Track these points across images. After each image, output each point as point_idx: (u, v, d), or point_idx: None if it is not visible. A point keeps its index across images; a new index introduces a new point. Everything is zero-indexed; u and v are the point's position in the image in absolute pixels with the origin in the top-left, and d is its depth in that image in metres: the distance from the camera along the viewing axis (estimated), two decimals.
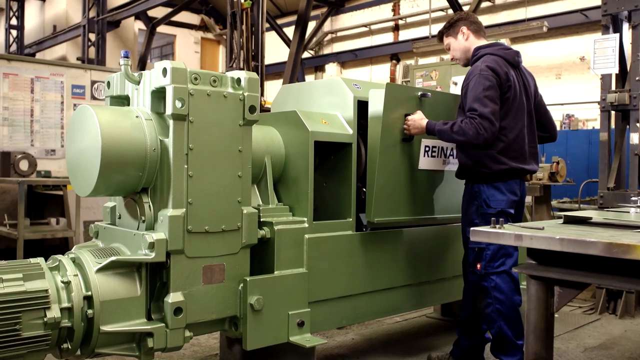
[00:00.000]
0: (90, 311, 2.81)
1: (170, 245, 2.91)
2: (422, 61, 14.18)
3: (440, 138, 3.69)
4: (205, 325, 3.14)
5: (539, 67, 13.82)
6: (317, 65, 19.31)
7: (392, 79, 16.86)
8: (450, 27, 3.92)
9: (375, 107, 3.63)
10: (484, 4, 14.29)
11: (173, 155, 2.92)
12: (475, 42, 3.83)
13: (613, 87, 5.68)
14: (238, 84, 3.16)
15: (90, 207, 7.03)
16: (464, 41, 3.84)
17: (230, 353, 3.70)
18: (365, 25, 18.19)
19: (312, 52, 19.37)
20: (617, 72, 5.55)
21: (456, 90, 6.94)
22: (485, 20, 14.55)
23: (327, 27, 19.23)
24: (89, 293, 2.83)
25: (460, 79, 6.87)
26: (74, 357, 2.92)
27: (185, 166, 2.96)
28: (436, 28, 14.56)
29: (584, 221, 2.83)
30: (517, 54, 3.78)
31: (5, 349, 2.61)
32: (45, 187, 7.12)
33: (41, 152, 7.50)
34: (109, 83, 3.38)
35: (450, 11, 14.06)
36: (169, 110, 2.92)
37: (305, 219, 3.46)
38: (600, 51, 5.59)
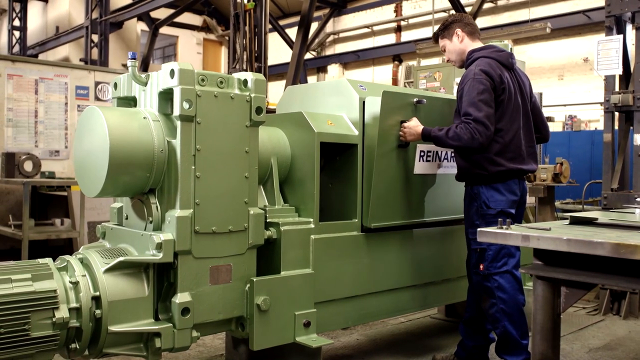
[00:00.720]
0: (98, 311, 2.82)
1: (178, 245, 2.92)
2: (425, 62, 14.19)
3: (436, 144, 3.74)
4: (212, 325, 3.15)
5: (541, 68, 13.83)
6: (319, 66, 19.33)
7: (394, 80, 16.88)
8: (445, 29, 3.95)
9: (372, 114, 3.68)
10: (486, 5, 14.29)
11: (181, 156, 2.94)
12: (470, 44, 3.85)
13: (617, 89, 5.69)
14: (245, 85, 3.18)
15: (94, 208, 7.06)
16: (459, 43, 3.87)
17: (235, 353, 3.71)
18: (367, 26, 18.21)
19: (314, 53, 19.39)
20: (621, 73, 5.55)
21: None
22: (487, 21, 14.59)
23: (329, 28, 19.25)
24: (97, 293, 2.84)
25: None
26: (82, 357, 2.93)
27: (193, 167, 2.97)
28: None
29: (590, 222, 2.84)
30: (511, 55, 3.81)
31: (15, 348, 2.62)
32: (50, 187, 7.14)
33: (45, 153, 7.52)
34: (115, 84, 3.39)
35: (453, 12, 14.08)
36: (176, 112, 2.93)
37: (312, 220, 3.47)
38: (604, 52, 5.60)
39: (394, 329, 5.03)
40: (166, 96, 3.06)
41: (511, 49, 5.18)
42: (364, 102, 3.71)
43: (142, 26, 18.33)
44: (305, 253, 3.42)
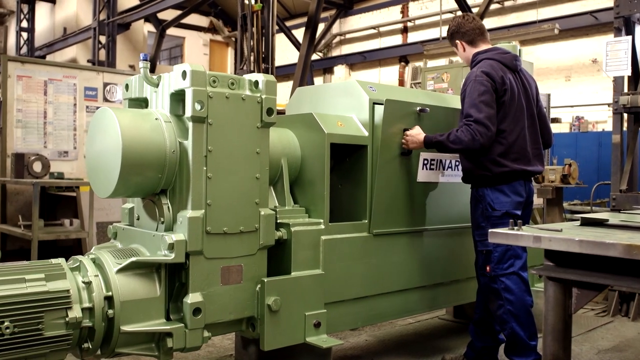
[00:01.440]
0: (110, 311, 2.84)
1: (190, 246, 2.94)
2: (431, 63, 14.20)
3: (439, 150, 3.77)
4: (223, 325, 3.17)
5: (548, 69, 13.81)
6: (326, 67, 19.36)
7: (401, 81, 16.88)
8: (450, 40, 4.04)
9: (375, 122, 3.72)
10: (493, 6, 14.28)
11: (192, 157, 2.95)
12: (472, 50, 3.90)
13: (625, 90, 5.68)
14: (256, 86, 3.19)
15: (103, 209, 7.09)
16: (463, 52, 3.96)
17: (245, 354, 3.72)
18: (373, 27, 18.23)
19: (320, 54, 19.42)
20: (630, 74, 5.55)
21: None
22: (494, 22, 14.57)
23: (335, 29, 19.27)
24: (110, 293, 2.86)
25: None
26: (94, 357, 2.95)
27: (204, 168, 2.98)
28: (446, 30, 14.61)
29: (601, 223, 2.84)
30: (516, 57, 3.83)
31: (28, 348, 2.64)
32: (58, 188, 7.18)
33: (54, 153, 7.56)
34: (127, 85, 3.41)
35: (460, 13, 14.06)
36: (188, 113, 2.95)
37: (322, 221, 3.48)
38: (613, 53, 5.59)
39: (402, 329, 5.04)
40: (178, 97, 3.07)
41: (519, 50, 5.19)
42: (374, 104, 3.72)
43: (149, 27, 18.39)
44: (315, 254, 3.43)
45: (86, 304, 2.81)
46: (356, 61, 18.49)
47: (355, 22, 18.95)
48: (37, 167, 6.90)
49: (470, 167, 3.76)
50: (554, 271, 2.53)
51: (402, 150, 3.80)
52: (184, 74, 2.97)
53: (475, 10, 13.64)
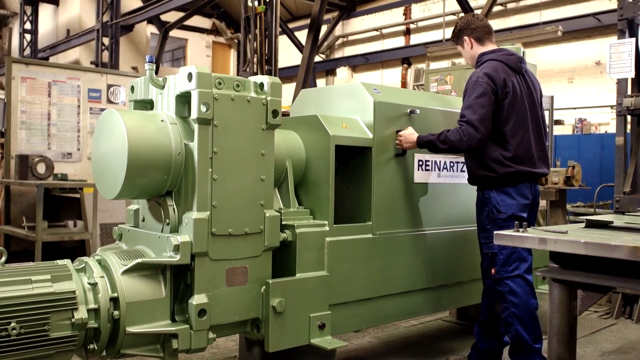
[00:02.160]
0: (116, 312, 2.85)
1: (195, 247, 2.94)
2: (434, 65, 14.19)
3: (430, 150, 3.79)
4: (228, 327, 3.17)
5: (551, 71, 13.81)
6: (328, 69, 19.38)
7: (404, 82, 16.89)
8: (456, 37, 4.02)
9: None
10: (495, 8, 14.29)
11: (198, 158, 2.96)
12: (479, 49, 3.90)
13: (629, 92, 5.68)
14: (261, 88, 3.20)
15: (107, 210, 7.09)
16: (470, 49, 3.93)
17: (249, 355, 3.73)
18: (376, 29, 18.26)
19: (323, 56, 19.44)
20: (633, 76, 5.55)
21: None
22: (497, 24, 14.57)
23: (338, 31, 19.30)
24: (115, 294, 2.87)
25: None
26: (100, 358, 2.96)
27: (210, 169, 2.99)
28: (449, 32, 14.62)
29: (606, 225, 2.85)
30: (521, 59, 3.83)
31: (35, 349, 2.65)
32: (62, 189, 7.19)
33: (58, 155, 7.56)
34: (132, 87, 3.42)
35: (462, 15, 14.08)
36: (194, 115, 2.96)
37: (326, 222, 3.49)
38: (616, 55, 5.60)
39: (406, 331, 5.04)
40: (183, 99, 3.08)
41: (523, 52, 5.20)
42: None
43: (151, 29, 18.44)
44: (320, 255, 3.43)
45: (92, 305, 2.82)
46: (359, 63, 18.51)
47: (357, 24, 18.97)
48: (41, 168, 6.91)
49: (474, 167, 3.78)
50: (559, 273, 2.53)
51: (397, 152, 3.82)
52: (189, 76, 2.98)
53: (478, 12, 13.66)
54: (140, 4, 15.58)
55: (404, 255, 3.89)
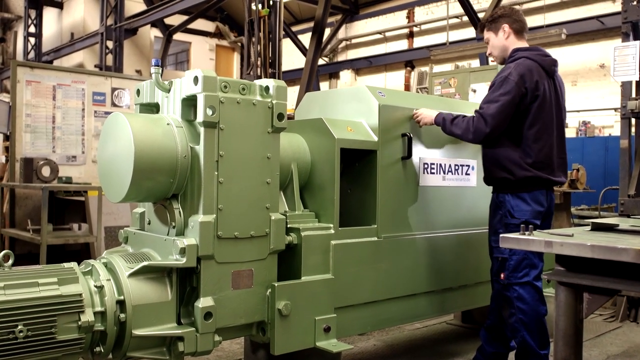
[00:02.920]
0: (122, 315, 2.86)
1: (201, 250, 2.95)
2: (437, 68, 14.21)
3: (442, 128, 3.76)
4: (234, 330, 3.18)
5: None
6: (332, 72, 19.39)
7: (407, 86, 16.89)
8: (493, 22, 3.84)
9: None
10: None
11: (204, 161, 2.97)
12: (514, 42, 3.77)
13: (633, 94, 5.67)
14: (266, 91, 3.21)
15: (111, 213, 7.11)
16: (504, 39, 3.78)
17: (254, 358, 3.73)
18: (379, 32, 18.26)
19: (326, 59, 19.45)
20: (638, 79, 5.54)
21: (475, 97, 6.96)
22: None
23: (341, 34, 19.31)
24: (122, 297, 2.88)
25: (479, 87, 6.89)
26: None
27: (216, 173, 3.00)
28: (453, 35, 14.62)
29: (611, 228, 2.85)
30: (555, 62, 3.75)
31: (42, 351, 2.66)
32: (67, 192, 7.21)
33: (62, 158, 7.58)
34: (138, 91, 3.44)
35: (466, 18, 14.09)
36: (200, 118, 2.97)
37: (332, 226, 3.49)
38: (621, 58, 5.59)
39: (410, 334, 5.04)
40: (189, 103, 3.09)
41: None
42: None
43: (155, 32, 18.47)
44: (325, 258, 3.44)
45: (98, 308, 2.83)
46: (362, 66, 18.52)
47: (361, 27, 18.98)
48: (45, 171, 6.93)
49: (492, 167, 3.72)
50: (565, 276, 2.53)
51: (403, 155, 3.80)
52: (195, 79, 2.99)
53: (481, 15, 13.67)
54: (144, 8, 15.62)
55: (409, 258, 3.89)
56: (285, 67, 13.41)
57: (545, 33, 11.96)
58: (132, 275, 2.93)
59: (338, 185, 3.52)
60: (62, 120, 7.64)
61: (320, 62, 17.99)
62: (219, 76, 3.05)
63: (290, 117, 4.19)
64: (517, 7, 14.64)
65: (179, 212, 3.07)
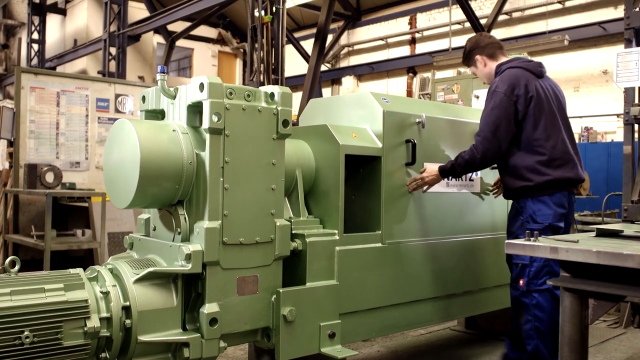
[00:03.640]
0: (128, 321, 2.86)
1: (207, 256, 2.96)
2: (439, 74, 14.23)
3: (454, 176, 3.83)
4: (239, 336, 3.18)
5: (557, 80, 13.63)
6: (334, 78, 19.43)
7: (409, 92, 16.92)
8: (467, 59, 4.00)
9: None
10: (501, 17, 14.33)
11: (209, 168, 2.98)
12: (493, 63, 3.88)
13: (636, 100, 5.68)
14: (271, 98, 3.22)
15: (115, 219, 7.12)
16: (484, 67, 3.92)
17: None
18: (381, 39, 18.30)
19: (328, 65, 19.49)
20: None
21: (478, 103, 6.98)
22: (502, 33, 14.60)
23: (343, 40, 19.36)
24: (127, 303, 2.88)
25: (482, 93, 6.91)
26: None
27: (221, 179, 3.01)
28: (455, 41, 14.64)
29: (616, 234, 2.85)
30: (540, 64, 3.81)
31: (48, 357, 2.66)
32: (70, 198, 7.22)
33: (66, 164, 7.60)
34: (144, 97, 3.45)
35: (468, 24, 14.11)
36: (205, 124, 2.98)
37: (336, 232, 3.50)
38: (623, 64, 5.60)
39: (414, 340, 5.03)
40: (195, 109, 3.11)
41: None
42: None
43: (158, 39, 18.54)
44: (330, 264, 3.44)
45: (104, 314, 2.83)
46: (364, 72, 18.56)
47: (363, 33, 19.03)
48: (49, 177, 6.95)
49: (509, 180, 3.71)
50: (570, 282, 2.54)
51: (407, 162, 3.81)
52: (201, 86, 3.01)
53: (483, 21, 13.71)
54: (147, 14, 15.69)
55: (413, 264, 3.89)
56: (287, 73, 13.46)
57: (547, 39, 11.98)
58: (137, 281, 2.93)
59: (343, 192, 3.52)
60: (65, 127, 7.66)
61: (323, 68, 18.03)
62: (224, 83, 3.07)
63: (293, 124, 4.21)
64: (518, 13, 14.67)
65: (185, 218, 3.08)
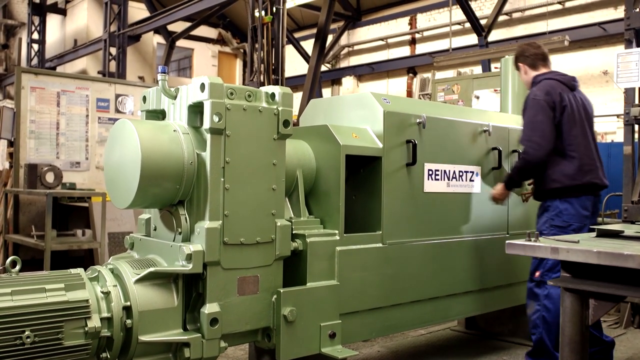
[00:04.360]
0: (129, 321, 2.86)
1: (207, 256, 2.96)
2: (439, 75, 14.23)
3: (515, 186, 4.16)
4: (239, 336, 3.18)
5: None
6: (334, 78, 19.41)
7: (409, 92, 16.91)
8: (515, 64, 4.30)
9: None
10: (501, 18, 14.33)
11: (210, 168, 2.98)
12: (532, 73, 4.13)
13: (636, 101, 5.68)
14: (272, 98, 3.23)
15: (115, 219, 7.12)
16: (525, 75, 4.19)
17: None
18: (382, 39, 18.28)
19: (328, 65, 19.48)
20: None
21: (478, 104, 6.98)
22: (502, 34, 14.61)
23: (343, 40, 19.34)
24: (128, 303, 2.88)
25: (482, 93, 6.93)
26: None
27: (222, 179, 3.01)
28: (455, 42, 14.65)
29: (617, 235, 2.86)
30: (574, 79, 4.03)
31: (48, 357, 2.66)
32: (71, 199, 7.21)
33: (66, 164, 7.60)
34: (144, 97, 3.45)
35: (468, 25, 14.12)
36: (206, 125, 2.98)
37: (337, 232, 3.50)
38: (624, 65, 5.60)
39: (414, 340, 5.04)
40: (196, 109, 3.11)
41: None
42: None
43: (158, 39, 18.54)
44: (330, 264, 3.45)
45: (105, 314, 2.84)
46: (364, 72, 18.54)
47: (363, 33, 19.01)
48: (49, 177, 6.95)
49: (541, 183, 3.94)
50: (571, 282, 2.54)
51: (407, 162, 3.84)
52: (202, 86, 3.01)
53: (483, 21, 13.71)
54: (147, 14, 15.69)
55: (413, 264, 3.89)
56: (287, 73, 13.47)
57: (547, 40, 11.97)
58: (138, 281, 2.94)
59: (343, 192, 3.53)
60: (66, 127, 7.65)
61: (323, 68, 18.03)
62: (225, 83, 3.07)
63: (294, 124, 4.21)
64: (518, 14, 14.67)
65: (185, 218, 3.08)
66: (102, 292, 2.89)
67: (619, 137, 11.95)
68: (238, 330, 3.12)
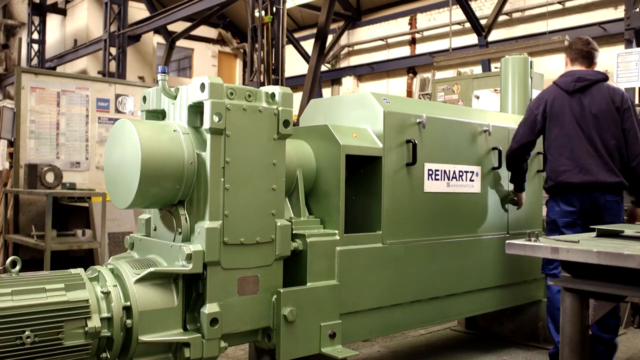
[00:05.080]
0: (129, 321, 2.86)
1: (207, 256, 2.96)
2: (439, 74, 14.22)
3: (511, 181, 4.46)
4: (239, 336, 3.19)
5: None
6: (334, 78, 19.41)
7: (409, 92, 16.91)
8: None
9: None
10: (501, 18, 14.33)
11: (210, 168, 2.98)
12: (567, 68, 4.28)
13: (636, 101, 5.69)
14: (272, 98, 3.23)
15: (115, 219, 7.12)
16: (565, 67, 4.32)
17: None
18: (381, 39, 18.28)
19: (328, 65, 19.48)
20: None
21: (478, 104, 6.98)
22: (502, 34, 14.61)
23: (343, 40, 19.34)
24: (128, 303, 2.88)
25: (482, 93, 6.92)
26: None
27: (222, 179, 3.01)
28: (455, 42, 14.64)
29: (617, 234, 2.86)
30: (576, 79, 4.05)
31: (48, 357, 2.66)
32: (71, 199, 7.21)
33: (66, 164, 7.60)
34: (145, 97, 3.45)
35: (468, 25, 14.12)
36: (206, 125, 2.98)
37: (337, 232, 3.50)
38: (624, 65, 5.62)
39: (414, 340, 5.04)
40: (196, 109, 3.11)
41: (531, 62, 5.23)
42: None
43: (158, 39, 18.55)
44: (330, 264, 3.45)
45: (105, 314, 2.84)
46: (364, 72, 18.54)
47: (363, 33, 19.02)
48: (49, 177, 6.95)
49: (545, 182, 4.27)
50: (571, 282, 2.54)
51: (407, 162, 3.84)
52: (202, 86, 3.01)
53: (483, 21, 13.71)
54: (147, 14, 15.70)
55: (413, 264, 3.89)
56: (287, 73, 13.47)
57: (547, 40, 11.97)
58: (138, 281, 2.94)
59: (343, 192, 3.53)
60: (66, 127, 7.65)
61: (323, 68, 18.04)
62: (225, 83, 3.07)
63: (294, 124, 4.21)
64: (518, 13, 14.67)
65: (185, 218, 3.08)
66: (102, 292, 2.89)
67: None
68: (238, 330, 3.12)
